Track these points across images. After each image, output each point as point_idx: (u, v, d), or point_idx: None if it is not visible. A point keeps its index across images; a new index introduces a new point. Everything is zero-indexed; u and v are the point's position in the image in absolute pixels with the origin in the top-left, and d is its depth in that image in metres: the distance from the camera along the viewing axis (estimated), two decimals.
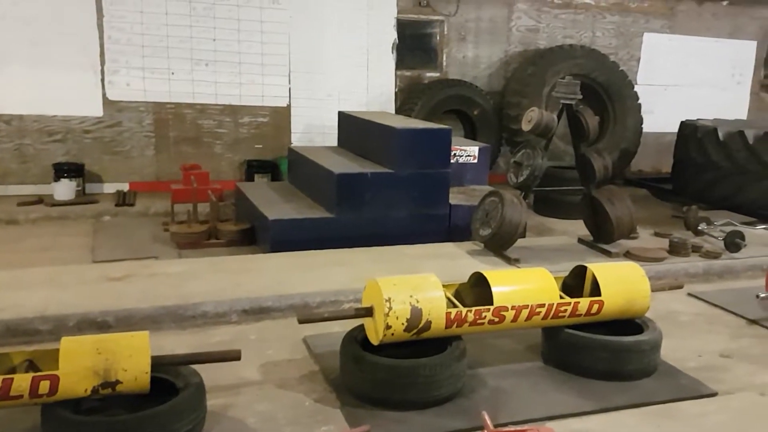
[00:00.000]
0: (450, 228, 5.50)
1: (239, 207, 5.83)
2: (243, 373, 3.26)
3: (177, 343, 3.55)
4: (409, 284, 3.17)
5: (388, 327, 3.03)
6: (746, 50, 9.25)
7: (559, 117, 5.03)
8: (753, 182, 6.62)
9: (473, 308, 3.22)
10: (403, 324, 3.05)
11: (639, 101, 8.16)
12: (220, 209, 5.74)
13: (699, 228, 5.89)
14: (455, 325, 3.19)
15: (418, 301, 3.08)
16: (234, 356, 2.87)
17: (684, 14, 8.80)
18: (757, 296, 4.15)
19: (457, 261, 4.89)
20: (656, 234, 5.91)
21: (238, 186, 6.28)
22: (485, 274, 3.37)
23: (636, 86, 8.55)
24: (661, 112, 8.74)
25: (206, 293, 4.06)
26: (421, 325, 3.08)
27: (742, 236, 5.44)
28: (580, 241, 5.57)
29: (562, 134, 7.48)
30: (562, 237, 5.84)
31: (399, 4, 7.05)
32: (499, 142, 7.74)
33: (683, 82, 9.01)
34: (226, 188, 6.33)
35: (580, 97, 4.99)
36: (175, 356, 2.92)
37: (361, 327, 3.26)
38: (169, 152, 7.23)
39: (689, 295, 4.80)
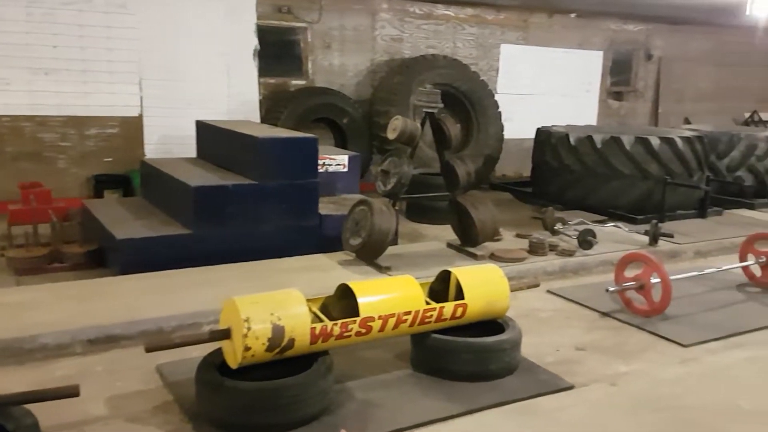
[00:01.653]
0: (322, 239, 5.45)
1: (86, 227, 5.39)
2: (88, 409, 2.99)
3: (14, 380, 3.21)
4: (270, 301, 3.07)
5: (247, 349, 2.91)
6: (594, 60, 10.13)
7: (422, 125, 5.17)
8: (602, 183, 7.20)
9: (339, 321, 3.19)
10: (264, 344, 2.94)
11: (499, 109, 8.62)
12: (65, 230, 5.27)
13: (555, 228, 6.31)
14: (321, 340, 3.13)
15: (280, 319, 2.98)
16: (71, 392, 2.61)
17: (536, 26, 9.46)
18: (607, 290, 4.49)
19: (329, 272, 4.85)
20: (518, 235, 6.24)
21: (84, 204, 5.81)
22: (351, 286, 3.35)
23: (496, 95, 9.04)
24: (521, 120, 9.30)
25: (47, 323, 3.70)
26: (284, 344, 2.99)
27: (593, 234, 5.90)
28: (449, 245, 5.76)
29: (431, 141, 7.75)
30: (432, 242, 5.99)
31: (259, 10, 6.92)
32: (369, 150, 7.83)
33: (539, 91, 9.67)
34: (71, 206, 5.83)
35: (441, 105, 5.17)
36: (3, 396, 2.61)
37: (220, 350, 3.11)
38: (5, 169, 6.56)
39: (548, 292, 5.11)
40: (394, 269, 4.94)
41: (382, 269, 4.88)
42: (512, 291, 3.82)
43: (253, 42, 7.04)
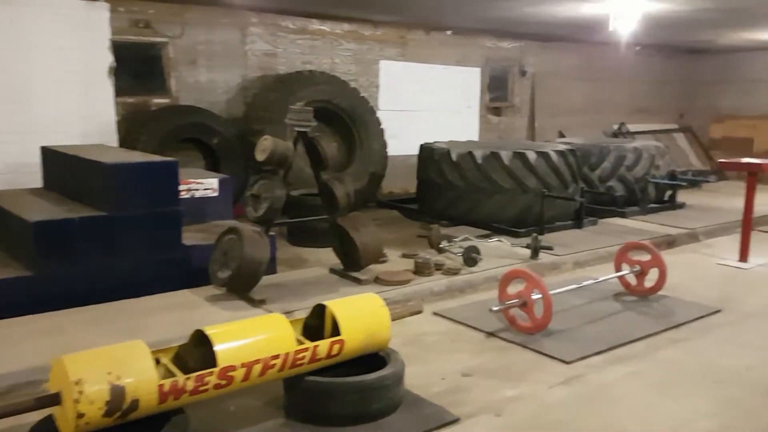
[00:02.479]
0: (189, 272, 4.98)
1: None
2: None
3: None
4: (107, 358, 2.64)
5: (80, 416, 2.47)
6: (472, 76, 10.33)
7: (295, 145, 4.88)
8: (485, 198, 7.25)
9: (193, 375, 2.80)
10: (101, 409, 2.51)
11: (382, 126, 8.52)
12: None
13: (441, 246, 6.22)
14: (172, 397, 2.74)
15: (119, 378, 2.56)
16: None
17: (415, 43, 9.50)
18: (491, 310, 4.39)
19: (195, 311, 4.41)
20: (404, 255, 6.09)
21: None
22: (206, 331, 2.97)
23: (378, 112, 8.95)
24: (406, 136, 9.25)
25: None
26: (125, 407, 2.57)
27: (477, 251, 5.86)
28: (332, 271, 5.48)
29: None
30: (314, 269, 5.69)
31: (113, 25, 6.34)
32: (245, 172, 7.41)
33: (422, 107, 9.70)
34: None
35: (314, 123, 4.91)
36: None
37: (51, 417, 2.63)
38: None
39: (435, 314, 4.97)
40: (271, 301, 4.58)
41: (256, 303, 4.51)
42: (394, 319, 3.60)
43: (108, 59, 6.43)
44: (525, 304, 4.51)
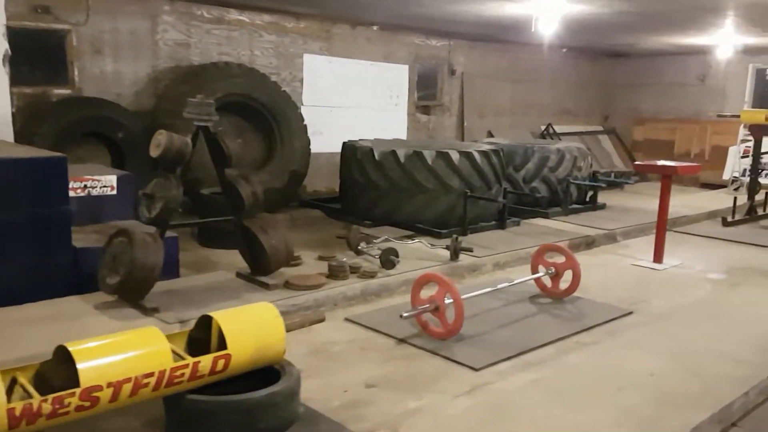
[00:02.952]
0: (79, 277, 4.60)
1: None
2: None
3: None
4: None
5: None
6: (400, 74, 10.21)
7: (194, 141, 4.58)
8: (408, 198, 7.14)
9: (50, 396, 2.50)
10: None
11: (305, 122, 8.27)
12: None
13: (359, 248, 6.04)
14: (25, 422, 2.43)
15: None
16: None
17: (339, 37, 9.29)
18: (401, 316, 4.24)
19: (78, 321, 4.06)
20: (320, 258, 5.88)
21: None
22: (69, 348, 2.67)
23: (302, 107, 8.70)
24: (331, 133, 9.04)
25: None
26: None
27: (395, 253, 5.71)
28: (239, 275, 5.21)
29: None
30: (219, 273, 5.39)
31: (9, 10, 5.84)
32: (154, 168, 6.99)
33: (348, 104, 9.50)
34: None
35: (216, 118, 4.63)
36: None
37: None
38: None
39: (346, 320, 4.79)
40: (165, 309, 4.28)
41: (149, 311, 4.20)
42: (291, 330, 3.38)
43: (3, 46, 5.92)
44: (437, 309, 4.39)
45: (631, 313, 5.20)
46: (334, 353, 4.18)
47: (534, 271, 5.62)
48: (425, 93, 10.79)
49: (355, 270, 5.46)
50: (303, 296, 4.89)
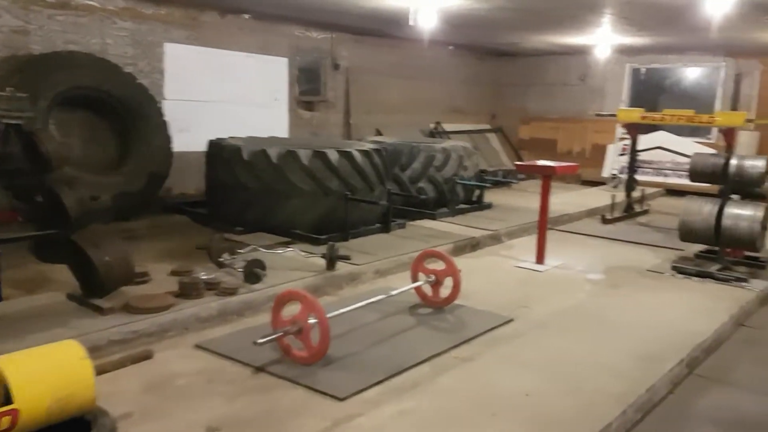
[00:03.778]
0: None
1: None
2: None
3: None
4: None
5: None
6: (279, 67, 9.62)
7: (4, 140, 3.82)
8: (283, 202, 6.60)
9: None
10: None
11: (165, 118, 7.51)
12: None
13: (221, 259, 5.45)
14: None
15: None
16: None
17: (209, 26, 8.57)
18: (255, 343, 3.71)
19: None
20: (174, 273, 5.23)
21: None
22: None
23: (164, 101, 7.92)
24: (200, 130, 8.29)
25: None
26: None
27: (261, 265, 5.17)
28: (70, 297, 4.48)
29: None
30: (49, 294, 4.63)
31: None
32: None
33: (220, 98, 8.80)
34: None
35: (31, 114, 3.89)
36: None
37: None
38: None
39: (197, 347, 4.21)
40: None
41: None
42: (104, 372, 2.79)
43: None
44: (300, 331, 3.92)
45: (511, 320, 4.99)
46: (176, 389, 3.60)
47: (414, 279, 5.29)
48: (308, 88, 10.27)
49: (212, 286, 4.88)
50: (145, 321, 4.26)
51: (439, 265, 5.21)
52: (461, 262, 6.86)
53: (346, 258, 5.76)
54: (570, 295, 5.77)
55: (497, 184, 11.06)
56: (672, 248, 7.39)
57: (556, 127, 14.06)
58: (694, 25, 8.42)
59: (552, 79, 14.03)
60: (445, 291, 5.16)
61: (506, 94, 14.66)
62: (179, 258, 5.78)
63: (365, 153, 7.05)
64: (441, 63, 12.85)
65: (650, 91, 13.43)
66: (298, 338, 3.94)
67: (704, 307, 5.22)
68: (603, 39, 10.57)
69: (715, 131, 11.77)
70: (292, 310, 4.02)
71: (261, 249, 5.88)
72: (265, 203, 6.62)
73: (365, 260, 6.12)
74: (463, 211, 8.85)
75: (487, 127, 14.47)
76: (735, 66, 11.68)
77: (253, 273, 5.07)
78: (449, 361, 4.14)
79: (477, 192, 9.28)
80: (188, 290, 4.65)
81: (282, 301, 4.02)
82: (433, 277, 5.16)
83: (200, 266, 5.43)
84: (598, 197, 10.78)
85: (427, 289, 5.25)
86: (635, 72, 13.25)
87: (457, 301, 5.20)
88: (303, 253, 6.00)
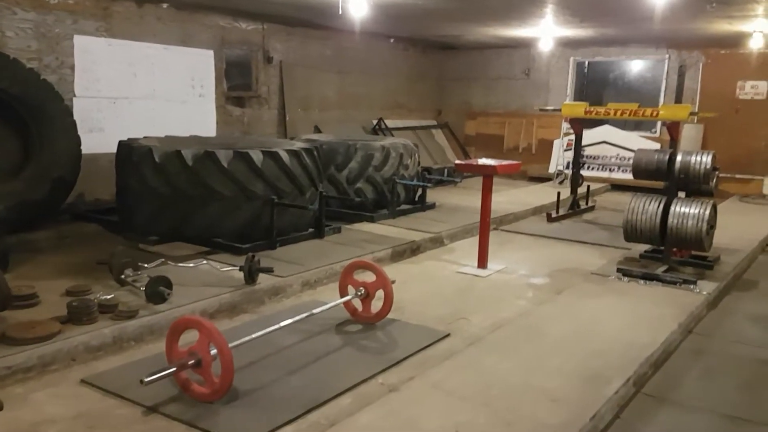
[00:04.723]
0: None
1: None
2: None
3: None
4: None
5: None
6: (204, 60, 8.99)
7: None
8: (200, 208, 6.05)
9: None
10: None
11: (74, 118, 6.82)
12: None
13: (123, 276, 4.87)
14: None
15: None
16: None
17: (122, 16, 7.88)
18: (142, 381, 3.18)
19: None
20: (68, 293, 4.63)
21: None
22: None
23: (74, 99, 7.23)
24: (115, 130, 7.64)
25: None
26: None
27: (166, 282, 4.62)
28: None
29: None
30: None
31: None
32: None
33: (136, 94, 8.12)
34: None
35: None
36: None
37: None
38: None
39: (83, 382, 3.65)
40: None
41: None
42: None
43: None
44: (199, 364, 3.41)
45: (447, 335, 4.61)
46: None
47: (343, 292, 4.84)
48: (237, 83, 9.66)
49: (108, 309, 4.31)
50: (23, 353, 3.68)
51: (369, 277, 4.77)
52: (400, 268, 6.47)
53: (268, 270, 5.26)
54: (511, 304, 5.43)
55: (442, 183, 10.74)
56: (617, 247, 7.17)
57: (502, 122, 13.82)
58: (637, 16, 8.22)
59: (496, 74, 13.78)
60: (377, 304, 4.73)
61: (451, 89, 14.34)
62: (79, 274, 5.18)
63: (294, 153, 6.54)
64: (382, 57, 12.42)
65: (595, 85, 13.34)
66: (198, 372, 3.43)
67: (651, 314, 4.94)
68: (546, 31, 10.32)
69: (659, 125, 11.72)
70: (192, 338, 3.50)
71: (170, 262, 5.32)
72: (180, 210, 6.04)
73: (292, 271, 5.64)
74: (404, 213, 8.45)
75: (433, 123, 14.12)
76: (678, 58, 11.64)
77: (157, 292, 4.52)
78: (375, 389, 3.71)
79: (419, 191, 8.89)
80: (78, 314, 4.07)
81: (177, 330, 3.50)
82: (363, 291, 4.72)
83: (100, 284, 4.86)
84: (545, 194, 10.55)
85: (357, 304, 4.81)
86: (579, 65, 13.11)
87: (391, 315, 4.79)
88: (222, 265, 5.45)
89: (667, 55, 11.83)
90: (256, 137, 8.85)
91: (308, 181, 6.72)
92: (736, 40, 10.15)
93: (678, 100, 6.60)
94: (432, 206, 8.99)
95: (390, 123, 12.59)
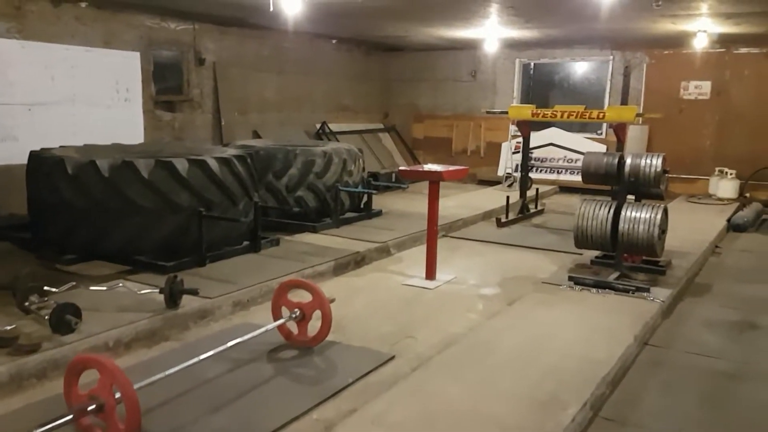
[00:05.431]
0: None
1: None
2: None
3: None
4: None
5: None
6: (129, 62, 8.41)
7: None
8: (118, 222, 5.54)
9: None
10: None
11: None
12: None
13: (27, 304, 4.34)
14: None
15: None
16: None
17: (37, 16, 7.26)
18: None
19: None
20: None
21: None
22: None
23: None
24: (30, 139, 7.02)
25: None
26: None
27: (75, 310, 4.13)
28: None
29: None
30: None
31: None
32: None
33: (54, 100, 7.50)
34: None
35: None
36: None
37: None
38: None
39: None
40: None
41: None
42: None
43: None
44: (102, 409, 2.96)
45: (392, 358, 4.27)
46: None
47: (276, 314, 4.43)
48: (167, 86, 9.11)
49: (7, 342, 3.79)
50: None
51: (306, 296, 4.39)
52: (343, 282, 6.11)
53: (192, 291, 4.80)
54: (461, 317, 5.14)
55: (389, 188, 10.43)
56: (568, 252, 6.99)
57: (449, 125, 13.64)
58: (581, 15, 8.09)
59: (443, 75, 13.58)
60: (316, 325, 4.35)
61: (397, 91, 14.07)
62: None
63: (224, 161, 6.09)
64: (325, 57, 12.03)
65: (541, 87, 13.30)
66: (101, 417, 2.98)
67: (606, 326, 4.72)
68: (491, 32, 10.15)
69: (605, 126, 11.72)
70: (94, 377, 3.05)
71: (82, 286, 4.80)
72: (97, 225, 5.52)
73: (222, 290, 5.19)
74: (349, 221, 8.09)
75: (380, 126, 13.82)
76: (623, 59, 11.67)
77: (63, 321, 4.02)
78: (309, 427, 3.33)
79: (365, 198, 8.53)
80: None
81: (74, 370, 3.03)
82: (298, 312, 4.33)
83: (2, 313, 4.32)
84: (494, 198, 10.37)
85: (293, 326, 4.41)
86: (525, 67, 13.04)
87: (331, 336, 4.43)
88: (141, 287, 4.95)
89: (611, 56, 11.85)
90: (186, 144, 8.33)
91: (241, 190, 6.28)
92: (680, 40, 10.20)
93: (624, 101, 6.47)
94: (379, 213, 8.67)
95: (335, 127, 12.21)
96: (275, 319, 4.39)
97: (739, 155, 10.81)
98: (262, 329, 4.20)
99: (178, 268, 5.59)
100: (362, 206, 8.53)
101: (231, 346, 3.86)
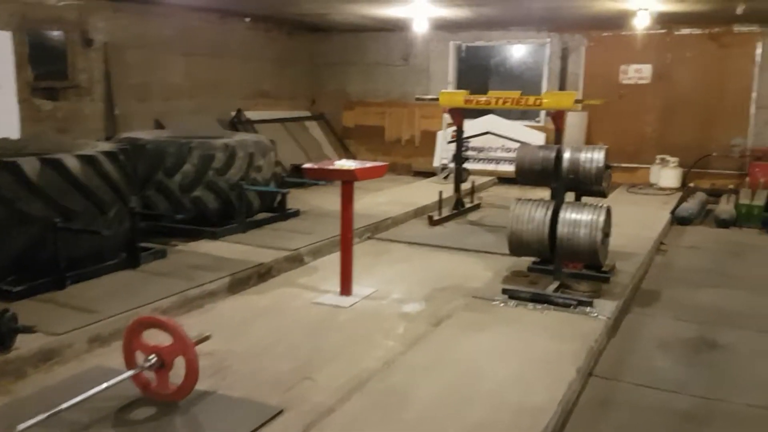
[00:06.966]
0: None
1: None
2: None
3: None
4: None
5: None
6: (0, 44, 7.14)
7: None
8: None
9: None
10: None
11: None
12: None
13: None
14: None
15: None
16: None
17: None
18: None
19: None
20: None
21: None
22: None
23: None
24: None
25: None
26: None
27: None
28: None
29: None
30: None
31: None
32: None
33: None
34: None
35: None
36: None
37: None
38: None
39: None
40: None
41: None
42: None
43: None
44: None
45: (280, 412, 3.36)
46: None
47: (129, 361, 3.44)
48: (47, 70, 7.84)
49: None
50: None
51: (165, 339, 3.41)
52: (240, 302, 5.15)
53: (28, 330, 3.75)
54: (376, 346, 4.28)
55: (313, 184, 9.45)
56: (504, 254, 6.18)
57: (382, 112, 12.72)
58: None
59: (374, 59, 12.62)
60: (180, 373, 3.38)
61: (325, 76, 13.02)
62: None
63: (88, 159, 5.00)
64: (240, 38, 10.89)
65: (478, 72, 12.53)
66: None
67: (544, 356, 3.94)
68: (419, 10, 9.25)
69: (543, 114, 11.05)
70: None
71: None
72: None
73: (76, 323, 4.15)
74: (259, 224, 7.11)
75: (306, 114, 12.75)
76: (561, 41, 10.99)
77: None
78: None
79: (278, 197, 7.54)
80: None
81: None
82: (154, 359, 3.35)
83: None
84: (429, 191, 9.50)
85: (151, 376, 3.43)
86: (459, 50, 12.23)
87: (209, 380, 3.53)
88: None
89: (548, 39, 11.16)
90: (52, 138, 7.11)
91: (112, 195, 5.20)
92: (620, 21, 9.56)
93: (562, 86, 5.71)
94: (296, 214, 7.70)
95: (254, 115, 11.10)
96: (128, 367, 3.41)
97: (682, 142, 10.33)
98: (112, 381, 3.21)
99: (28, 292, 4.53)
100: (276, 206, 7.54)
101: (68, 407, 2.88)
